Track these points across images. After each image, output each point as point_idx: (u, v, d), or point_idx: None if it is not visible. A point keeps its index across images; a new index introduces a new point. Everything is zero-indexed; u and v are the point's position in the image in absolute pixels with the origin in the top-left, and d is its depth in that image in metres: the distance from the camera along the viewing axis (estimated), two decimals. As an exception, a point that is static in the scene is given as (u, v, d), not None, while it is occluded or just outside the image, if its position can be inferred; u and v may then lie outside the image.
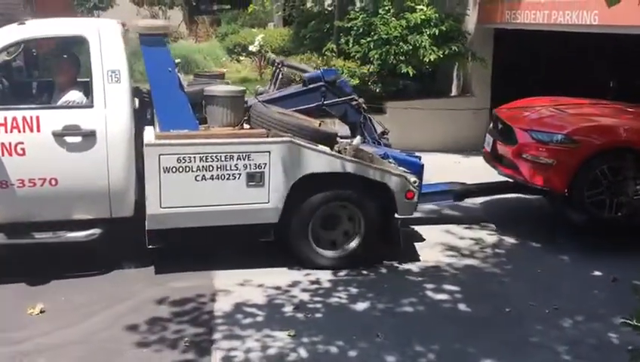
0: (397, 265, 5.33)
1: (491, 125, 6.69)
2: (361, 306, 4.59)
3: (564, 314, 4.54)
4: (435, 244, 5.79)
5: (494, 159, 6.34)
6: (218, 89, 5.19)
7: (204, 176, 4.74)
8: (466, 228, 6.25)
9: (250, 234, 5.04)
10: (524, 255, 5.67)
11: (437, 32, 8.93)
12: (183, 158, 4.69)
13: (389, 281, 5.04)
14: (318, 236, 5.17)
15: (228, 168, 4.77)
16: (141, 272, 5.00)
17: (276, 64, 6.21)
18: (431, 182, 6.15)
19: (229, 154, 4.76)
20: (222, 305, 4.52)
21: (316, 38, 10.07)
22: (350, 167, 5.01)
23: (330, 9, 10.47)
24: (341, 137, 5.52)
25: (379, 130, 5.99)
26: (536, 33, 8.88)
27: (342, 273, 5.12)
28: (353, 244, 5.20)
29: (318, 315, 4.43)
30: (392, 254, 5.40)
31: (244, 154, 4.78)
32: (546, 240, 5.98)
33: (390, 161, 5.34)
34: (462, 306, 4.67)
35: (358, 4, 10.61)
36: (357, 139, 5.34)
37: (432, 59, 8.87)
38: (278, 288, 4.80)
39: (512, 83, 9.62)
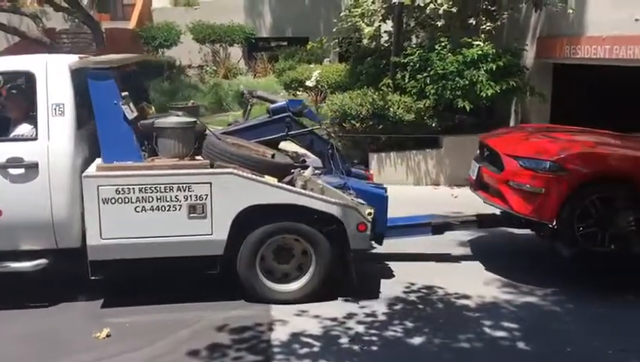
0: (453, 300, 5.27)
1: (477, 152, 6.46)
2: (417, 340, 4.56)
3: (630, 356, 4.37)
4: (492, 280, 5.71)
5: (480, 187, 6.08)
6: (167, 120, 5.12)
7: (143, 207, 4.71)
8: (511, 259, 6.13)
9: (196, 267, 4.95)
10: (586, 290, 5.51)
11: (494, 67, 8.93)
12: (122, 190, 4.67)
13: (445, 316, 4.99)
14: (272, 269, 5.08)
15: (168, 199, 4.73)
16: (201, 299, 5.13)
17: (245, 95, 6.26)
18: (414, 214, 6.10)
19: (168, 186, 4.72)
20: (279, 335, 4.59)
21: (372, 73, 10.23)
22: (294, 199, 4.89)
23: (386, 45, 10.63)
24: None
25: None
26: (594, 67, 8.75)
27: (398, 306, 5.11)
28: (305, 279, 5.06)
29: (374, 348, 4.43)
30: (450, 289, 5.35)
31: (184, 186, 4.73)
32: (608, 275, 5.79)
33: (350, 192, 5.21)
34: (520, 344, 4.57)
35: (414, 40, 10.75)
36: (308, 170, 5.26)
37: (489, 94, 8.86)
38: (334, 319, 4.83)
39: (571, 117, 9.48)
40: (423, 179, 9.52)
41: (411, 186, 9.46)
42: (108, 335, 4.52)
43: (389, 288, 5.43)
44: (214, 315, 4.86)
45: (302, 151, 6.07)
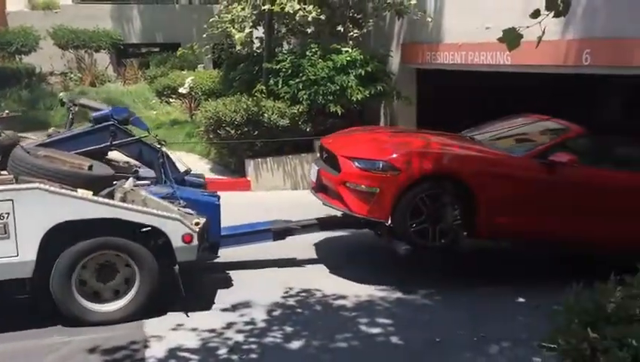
0: (331, 301, 5.39)
1: (318, 155, 6.64)
2: (296, 344, 4.60)
3: (491, 341, 4.71)
4: (365, 279, 5.90)
5: (320, 190, 6.18)
6: None
7: None
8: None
9: (3, 291, 4.65)
10: (453, 285, 5.85)
11: (363, 72, 9.27)
12: None
13: (323, 318, 5.08)
14: (96, 289, 4.83)
15: None
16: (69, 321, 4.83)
17: (67, 103, 6.07)
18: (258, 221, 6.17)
19: None
20: (154, 352, 4.44)
21: (246, 79, 10.21)
22: (111, 213, 4.63)
23: (258, 51, 10.66)
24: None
25: (183, 168, 5.86)
26: (454, 72, 9.34)
27: (277, 312, 5.14)
28: (129, 296, 4.82)
29: (253, 356, 4.42)
30: (327, 291, 5.47)
31: None
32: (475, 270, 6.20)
33: (179, 201, 5.07)
34: (394, 338, 4.76)
35: (286, 47, 10.87)
36: (129, 181, 5.12)
37: (359, 99, 9.19)
38: (212, 330, 4.76)
39: (436, 119, 10.06)
40: (300, 183, 9.65)
41: (289, 191, 9.56)
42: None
43: (268, 294, 5.43)
44: (84, 337, 4.60)
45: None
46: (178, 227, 4.76)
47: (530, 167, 5.75)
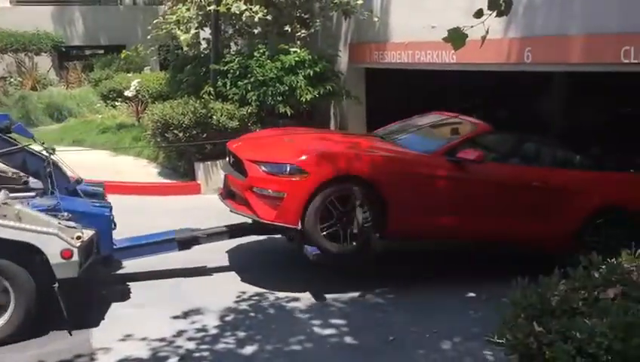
0: (284, 304, 5.35)
1: (226, 159, 6.40)
2: (249, 349, 4.54)
3: (443, 336, 4.76)
4: (315, 279, 5.89)
5: (228, 196, 5.93)
6: None
7: None
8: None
9: None
10: (405, 283, 5.90)
11: (311, 72, 9.24)
12: None
13: (276, 321, 5.03)
14: None
15: None
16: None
17: None
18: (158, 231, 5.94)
19: None
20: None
21: (193, 81, 10.05)
22: None
23: (206, 52, 10.51)
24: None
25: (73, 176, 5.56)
26: (404, 70, 9.43)
27: (229, 317, 5.06)
28: (5, 318, 4.51)
29: (206, 363, 4.33)
30: (280, 294, 5.42)
31: None
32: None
33: (63, 214, 4.78)
34: (348, 338, 4.76)
35: (233, 48, 10.76)
36: (1, 194, 4.79)
37: (308, 99, 9.16)
38: (162, 339, 4.64)
39: (386, 117, 10.13)
40: (251, 185, 9.56)
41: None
42: None
43: (220, 299, 5.35)
44: (25, 352, 4.41)
45: None
46: (55, 242, 4.43)
47: (438, 164, 5.71)
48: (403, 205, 5.52)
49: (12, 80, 16.51)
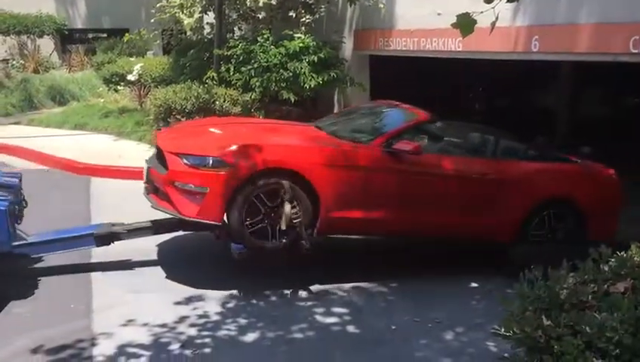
0: (286, 291, 5.32)
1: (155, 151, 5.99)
2: (250, 337, 4.52)
3: (446, 326, 4.73)
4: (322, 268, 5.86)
5: (153, 191, 5.52)
6: None
7: None
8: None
9: None
10: (408, 272, 5.86)
11: (316, 59, 9.17)
12: None
13: (278, 308, 5.01)
14: None
15: None
16: (11, 319, 4.62)
17: None
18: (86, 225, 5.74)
19: None
20: (103, 349, 4.26)
21: (196, 66, 9.99)
22: None
23: (209, 37, 10.42)
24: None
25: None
26: (409, 58, 9.35)
27: (231, 304, 5.03)
28: None
29: (207, 350, 4.30)
30: (282, 281, 5.39)
31: None
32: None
33: None
34: (351, 327, 4.74)
35: (237, 33, 10.67)
36: None
37: (312, 86, 9.09)
38: (163, 325, 4.61)
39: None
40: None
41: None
42: None
43: (221, 286, 5.31)
44: (26, 337, 4.37)
45: None
46: None
47: (373, 156, 5.40)
48: (336, 199, 5.21)
49: (14, 62, 16.41)
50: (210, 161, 5.05)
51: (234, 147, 5.14)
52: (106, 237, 5.51)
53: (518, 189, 5.73)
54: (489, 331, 4.48)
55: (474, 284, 5.61)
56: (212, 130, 5.91)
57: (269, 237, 5.20)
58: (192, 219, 5.13)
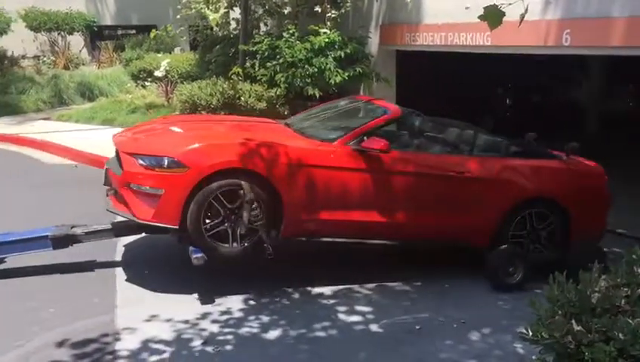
0: (309, 289, 5.27)
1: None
2: (273, 334, 4.48)
3: (471, 327, 4.64)
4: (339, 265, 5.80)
5: (113, 193, 5.34)
6: None
7: None
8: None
9: None
10: (433, 271, 5.77)
11: (342, 54, 9.10)
12: None
13: (301, 306, 4.97)
14: None
15: None
16: (37, 314, 4.66)
17: None
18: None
19: None
20: (126, 344, 4.28)
21: (222, 62, 9.99)
22: None
23: (235, 33, 10.42)
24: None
25: None
26: (438, 53, 9.21)
27: (253, 301, 5.01)
28: None
29: (228, 347, 4.28)
30: (302, 277, 5.35)
31: None
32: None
33: None
34: (373, 326, 4.67)
35: (263, 28, 10.65)
36: None
37: (337, 81, 9.02)
38: (186, 321, 4.61)
39: (416, 100, 9.92)
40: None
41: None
42: None
43: (243, 283, 5.29)
44: (51, 331, 4.42)
45: None
46: None
47: (341, 155, 5.16)
48: (301, 200, 5.02)
49: (45, 59, 16.68)
50: (166, 162, 4.84)
51: (191, 147, 4.95)
52: (63, 240, 5.34)
53: (497, 188, 5.47)
54: (516, 333, 4.41)
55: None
56: (173, 129, 5.70)
57: (230, 241, 4.96)
58: (147, 222, 4.93)
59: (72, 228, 5.43)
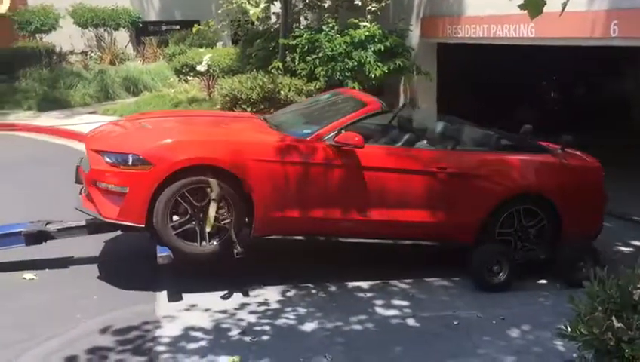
0: (346, 282, 5.27)
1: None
2: (309, 326, 4.51)
3: (511, 324, 4.56)
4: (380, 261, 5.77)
5: (84, 190, 5.25)
6: None
7: None
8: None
9: None
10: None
11: (382, 47, 9.04)
12: None
13: (337, 299, 4.97)
14: None
15: None
16: (81, 302, 4.81)
17: None
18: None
19: None
20: (167, 331, 4.39)
21: (262, 56, 10.05)
22: None
23: (275, 27, 10.47)
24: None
25: None
26: (479, 46, 9.06)
27: (291, 293, 5.05)
28: None
29: (265, 338, 4.33)
30: (341, 271, 5.35)
31: None
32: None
33: None
34: (410, 321, 4.65)
35: (303, 22, 10.67)
36: None
37: (377, 75, 8.97)
38: (224, 311, 4.69)
39: (458, 95, 9.81)
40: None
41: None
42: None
43: (281, 274, 5.32)
44: (95, 318, 4.55)
45: None
46: None
47: (315, 150, 4.99)
48: (273, 198, 4.89)
49: (92, 54, 17.11)
50: (130, 159, 4.74)
51: (157, 143, 4.86)
52: (36, 236, 5.30)
53: (480, 183, 5.27)
54: (557, 330, 4.34)
55: (542, 281, 5.37)
56: (144, 125, 5.58)
57: (199, 239, 4.85)
58: (112, 221, 4.88)
59: (46, 224, 5.38)
